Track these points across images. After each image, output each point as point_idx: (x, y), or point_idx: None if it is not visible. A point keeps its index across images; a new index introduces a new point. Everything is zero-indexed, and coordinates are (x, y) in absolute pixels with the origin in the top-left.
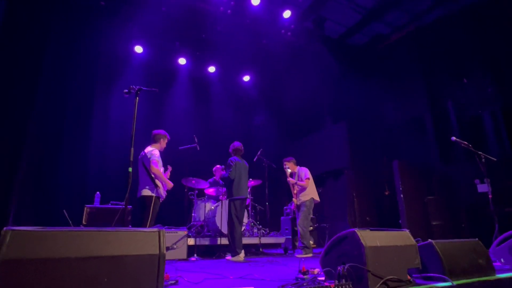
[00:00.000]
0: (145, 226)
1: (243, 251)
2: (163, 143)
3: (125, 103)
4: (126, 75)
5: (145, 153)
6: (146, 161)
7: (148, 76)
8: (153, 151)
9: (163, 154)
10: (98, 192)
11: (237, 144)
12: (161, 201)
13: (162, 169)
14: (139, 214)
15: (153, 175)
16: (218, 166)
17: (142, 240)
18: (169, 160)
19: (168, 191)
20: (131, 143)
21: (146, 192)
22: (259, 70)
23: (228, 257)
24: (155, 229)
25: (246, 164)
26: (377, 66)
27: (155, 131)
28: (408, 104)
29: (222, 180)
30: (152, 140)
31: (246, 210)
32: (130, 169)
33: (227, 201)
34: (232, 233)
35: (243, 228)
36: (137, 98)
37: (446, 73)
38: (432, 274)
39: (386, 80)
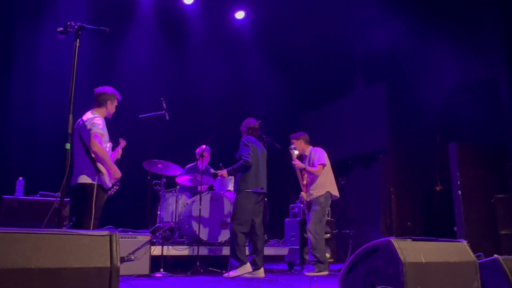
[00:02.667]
0: (85, 228)
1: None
2: (111, 106)
3: (59, 49)
4: (60, 7)
5: (83, 122)
6: (84, 134)
7: (93, 8)
8: (95, 119)
9: (113, 123)
10: (21, 178)
11: (253, 122)
12: (108, 192)
13: (108, 146)
14: (76, 210)
15: (93, 155)
16: (204, 146)
17: (86, 248)
18: (124, 133)
19: (121, 179)
20: (69, 109)
21: (84, 178)
22: (259, 2)
23: (229, 273)
24: (105, 232)
25: (264, 149)
26: (435, 7)
27: (98, 89)
28: (475, 59)
29: (236, 166)
30: (94, 103)
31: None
32: (68, 146)
33: (208, 195)
34: (235, 238)
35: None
36: (78, 40)
37: None
38: None
39: (445, 25)
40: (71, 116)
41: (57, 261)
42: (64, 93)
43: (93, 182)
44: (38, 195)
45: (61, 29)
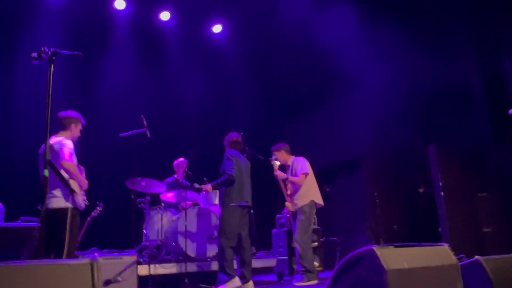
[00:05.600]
0: (59, 255)
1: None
2: (75, 130)
3: (36, 73)
4: (34, 31)
5: (50, 145)
6: (53, 155)
7: (69, 31)
8: (64, 140)
9: (95, 142)
10: (0, 204)
11: (235, 136)
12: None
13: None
14: (50, 235)
15: (65, 175)
16: (181, 159)
17: (67, 278)
18: (107, 154)
19: (105, 200)
20: (46, 134)
21: (57, 202)
22: (235, 15)
23: (218, 287)
24: (86, 260)
25: (248, 161)
26: (408, 13)
27: (62, 114)
28: (450, 65)
29: (220, 181)
30: (58, 127)
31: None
32: (47, 172)
33: (194, 210)
34: (223, 252)
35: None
36: (52, 66)
37: (502, 21)
38: None
39: (420, 33)
40: (48, 142)
41: None
42: (41, 118)
43: (67, 205)
44: (19, 221)
45: (35, 55)
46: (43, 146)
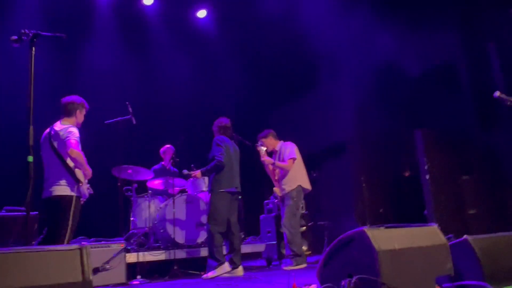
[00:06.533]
0: (61, 241)
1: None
2: (80, 116)
3: (14, 58)
4: (13, 13)
5: (55, 132)
6: (59, 144)
7: (49, 14)
8: (69, 128)
9: (78, 130)
10: None
11: (224, 121)
12: (82, 202)
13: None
14: (49, 223)
15: (71, 163)
16: (168, 145)
17: (56, 264)
18: (91, 140)
19: (91, 188)
20: (28, 119)
21: (62, 190)
22: (220, 0)
23: (208, 274)
24: (75, 246)
25: (237, 147)
26: None
27: (66, 99)
28: (434, 49)
29: (210, 167)
30: (62, 113)
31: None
32: (31, 158)
33: (183, 197)
34: (212, 238)
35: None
36: (34, 48)
37: (486, 3)
38: (468, 282)
39: (404, 16)
40: (31, 128)
41: (26, 280)
42: (22, 104)
43: (72, 194)
44: (3, 211)
45: (15, 37)
46: (49, 131)
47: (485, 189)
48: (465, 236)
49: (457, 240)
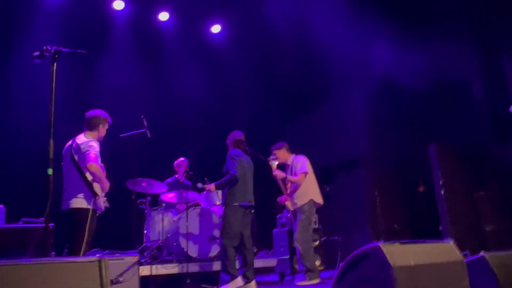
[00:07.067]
0: (77, 253)
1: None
2: (103, 130)
3: (36, 73)
4: (35, 30)
5: (77, 145)
6: (80, 156)
7: (66, 31)
8: (90, 142)
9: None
10: (1, 205)
11: (238, 135)
12: (97, 215)
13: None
14: (66, 235)
15: (90, 177)
16: (182, 158)
17: (75, 275)
18: (106, 154)
19: (107, 198)
20: (49, 133)
21: (79, 202)
22: (234, 15)
23: (221, 287)
24: (94, 258)
25: (251, 161)
26: (408, 9)
27: (90, 113)
28: (450, 62)
29: (224, 180)
30: (86, 126)
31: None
32: (50, 171)
33: (196, 210)
34: (225, 252)
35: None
36: (55, 64)
37: (501, 17)
38: None
39: (420, 30)
40: (51, 141)
41: None
42: (43, 116)
43: (89, 207)
44: (21, 222)
45: (37, 53)
46: (71, 143)
47: (501, 204)
48: (481, 253)
49: (474, 256)
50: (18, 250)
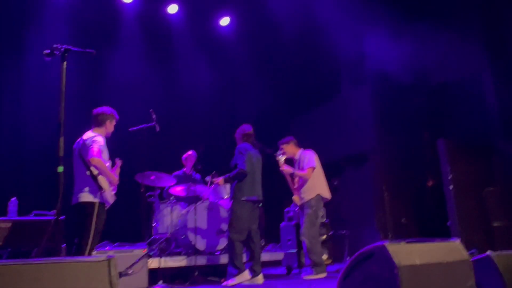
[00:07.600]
0: (84, 247)
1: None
2: (110, 126)
3: (46, 71)
4: (45, 27)
5: (83, 141)
6: (84, 152)
7: (76, 25)
8: (95, 137)
9: (108, 140)
10: (13, 198)
11: (247, 129)
12: (106, 208)
13: (108, 164)
14: (74, 229)
15: (95, 171)
16: (190, 152)
17: (85, 275)
18: (116, 148)
19: (115, 194)
20: (59, 131)
21: (86, 196)
22: (243, 8)
23: (228, 281)
24: (103, 257)
25: (259, 155)
26: (418, 4)
27: (97, 110)
28: (459, 57)
29: (232, 175)
30: (93, 123)
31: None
32: (61, 169)
33: (205, 204)
34: (233, 246)
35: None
36: (65, 62)
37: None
38: None
39: (430, 26)
40: (61, 139)
41: None
42: (55, 112)
43: (95, 200)
44: (32, 215)
45: (48, 51)
46: (78, 140)
47: (510, 200)
48: (488, 252)
49: (480, 256)
50: (29, 242)
